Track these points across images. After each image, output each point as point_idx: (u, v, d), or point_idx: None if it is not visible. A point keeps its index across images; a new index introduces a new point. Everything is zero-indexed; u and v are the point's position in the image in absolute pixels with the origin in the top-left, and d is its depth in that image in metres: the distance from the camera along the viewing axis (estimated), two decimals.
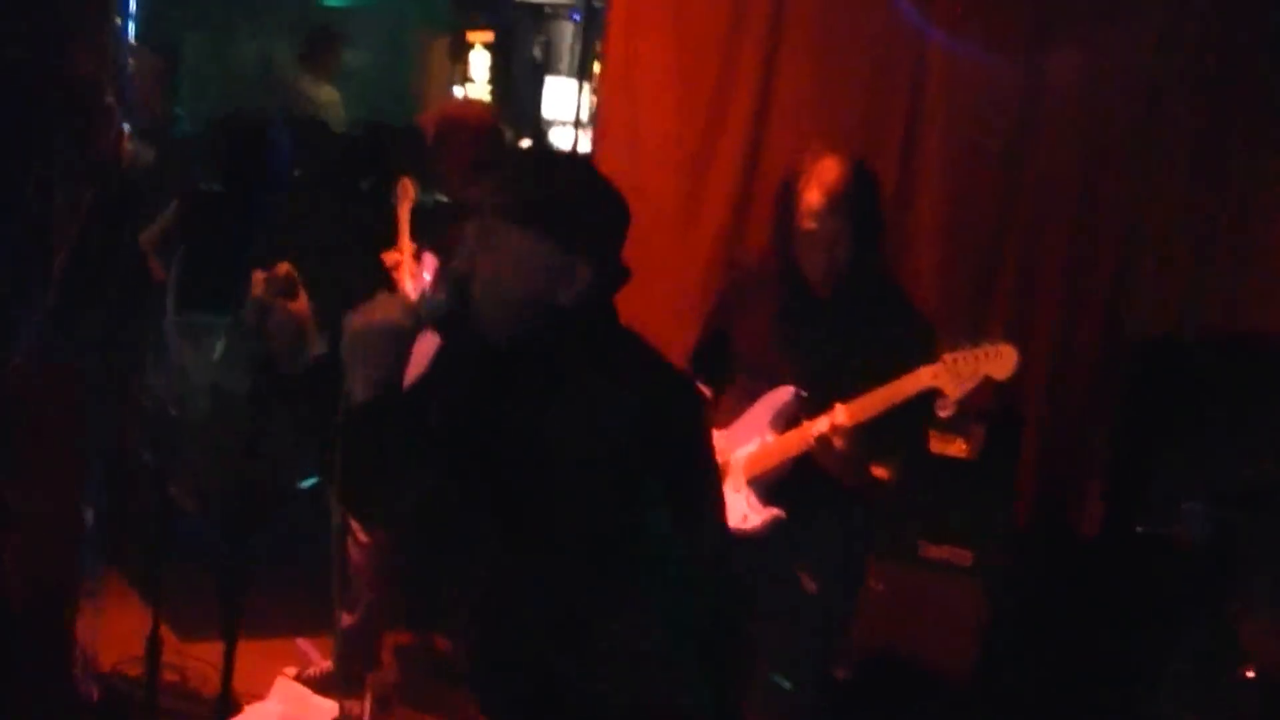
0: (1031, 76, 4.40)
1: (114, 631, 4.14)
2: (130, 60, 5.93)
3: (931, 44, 4.37)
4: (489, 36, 8.44)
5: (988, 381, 3.14)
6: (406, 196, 4.83)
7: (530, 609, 2.35)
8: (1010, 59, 4.38)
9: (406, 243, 4.75)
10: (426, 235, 4.78)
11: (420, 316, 2.34)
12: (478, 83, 8.43)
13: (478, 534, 2.33)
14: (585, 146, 6.02)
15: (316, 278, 2.51)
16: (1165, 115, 4.41)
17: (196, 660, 4.34)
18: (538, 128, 7.77)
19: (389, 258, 4.75)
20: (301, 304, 2.40)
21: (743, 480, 3.32)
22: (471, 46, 8.51)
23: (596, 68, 6.21)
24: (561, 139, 7.45)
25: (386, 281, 4.70)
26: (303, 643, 4.77)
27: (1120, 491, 4.22)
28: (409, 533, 2.43)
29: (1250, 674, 3.38)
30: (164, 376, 5.18)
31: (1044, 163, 4.45)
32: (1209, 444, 3.85)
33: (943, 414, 3.86)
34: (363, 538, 4.57)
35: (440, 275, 4.51)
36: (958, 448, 4.13)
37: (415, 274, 4.67)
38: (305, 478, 5.21)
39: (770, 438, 3.32)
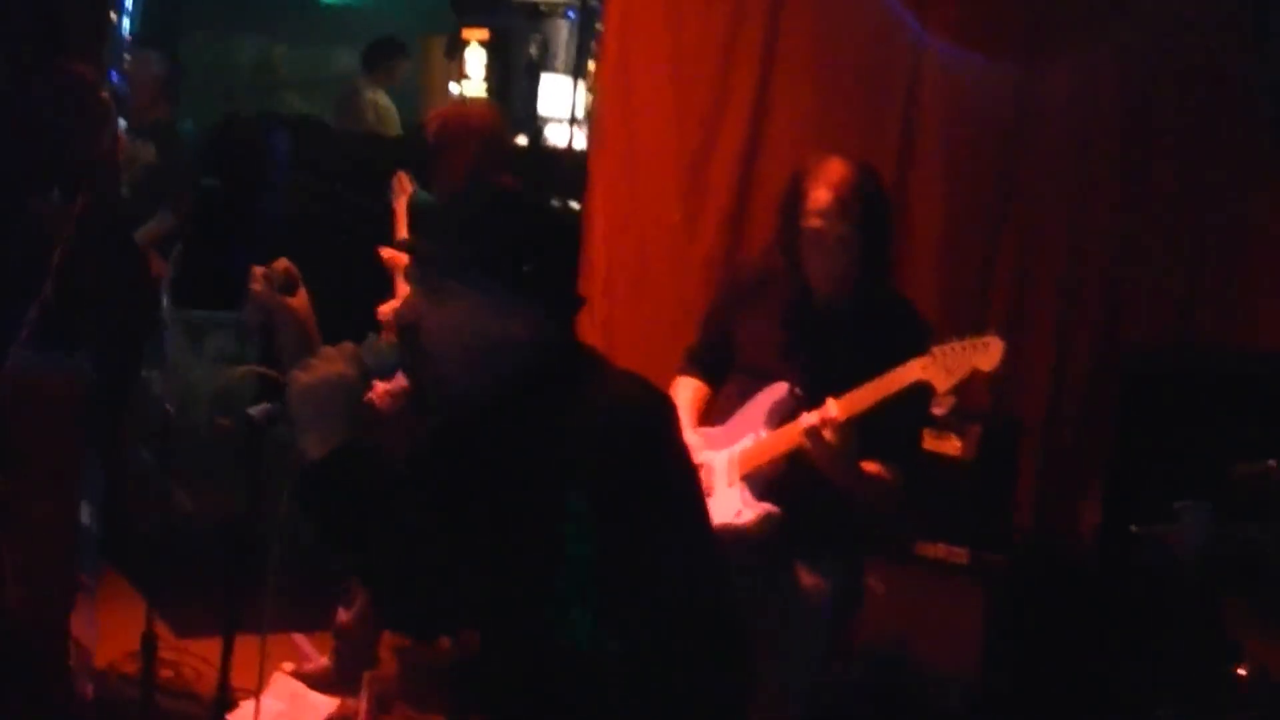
0: (1026, 84, 4.41)
1: (111, 629, 4.15)
2: (129, 59, 5.95)
3: (927, 51, 4.39)
4: (485, 35, 8.44)
5: (976, 374, 3.14)
6: (403, 191, 4.83)
7: (506, 661, 2.33)
8: (1005, 66, 4.39)
9: (405, 236, 4.76)
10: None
11: (369, 368, 2.28)
12: (474, 80, 8.43)
13: (448, 584, 2.26)
14: (580, 144, 6.02)
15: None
16: (1158, 122, 4.42)
17: (192, 657, 4.35)
18: (534, 125, 7.77)
19: (387, 252, 4.75)
20: (301, 300, 2.39)
21: (737, 476, 3.32)
22: (468, 44, 8.51)
23: (592, 66, 6.22)
24: (558, 136, 7.45)
25: (387, 276, 4.72)
26: (300, 639, 4.78)
27: (1116, 492, 4.23)
28: (382, 585, 2.37)
29: (1243, 672, 3.38)
30: (162, 374, 5.18)
31: (1039, 170, 4.46)
32: (1204, 445, 3.86)
33: (938, 412, 3.87)
34: None
35: (387, 325, 4.51)
36: (952, 446, 4.14)
37: None
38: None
39: (764, 433, 3.32)
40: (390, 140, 7.60)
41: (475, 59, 8.53)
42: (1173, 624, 3.77)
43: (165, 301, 4.99)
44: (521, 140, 7.46)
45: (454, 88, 8.46)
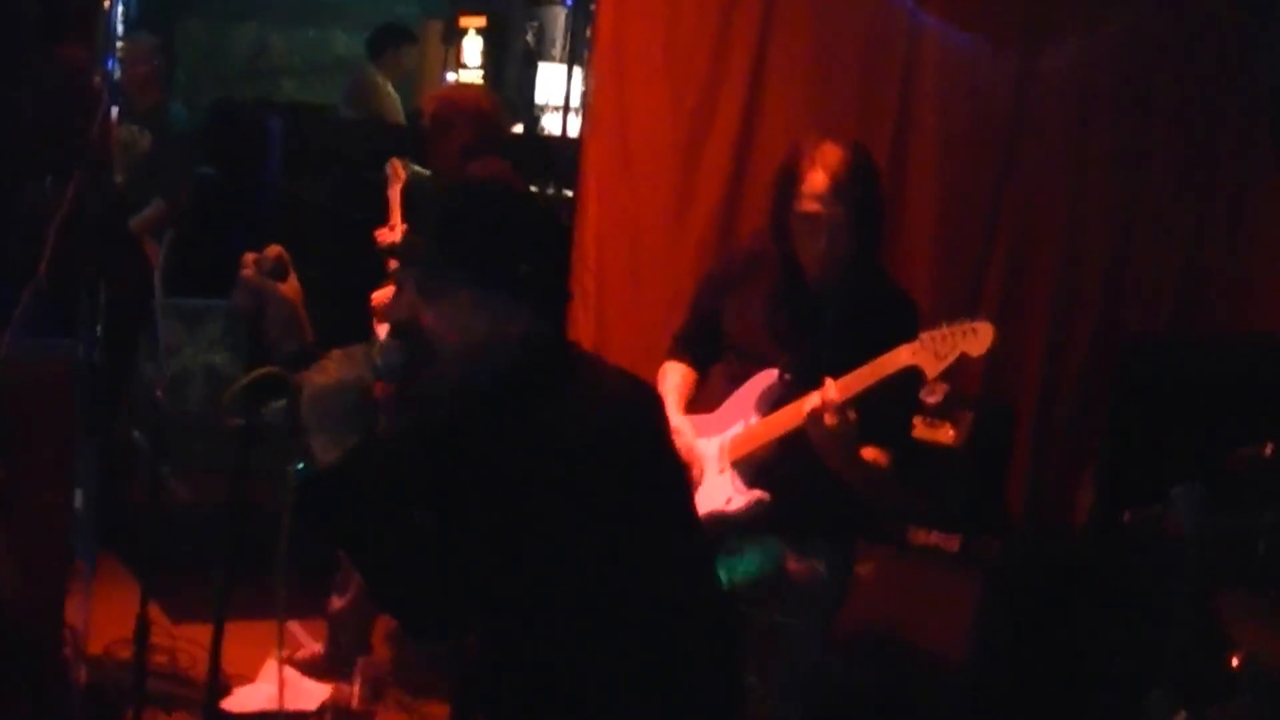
0: (1024, 67, 4.40)
1: (105, 614, 4.15)
2: (123, 45, 5.93)
3: (924, 32, 4.38)
4: (482, 22, 8.44)
5: (965, 359, 3.14)
6: (397, 177, 4.83)
7: (521, 663, 2.34)
8: (1003, 49, 4.38)
9: (399, 223, 4.75)
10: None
11: (378, 370, 2.30)
12: (470, 68, 8.42)
13: (461, 587, 2.26)
14: (575, 131, 6.01)
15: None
16: (1157, 108, 4.42)
17: (187, 643, 4.36)
18: (530, 113, 7.77)
19: (382, 234, 4.75)
20: (292, 286, 2.39)
21: (727, 462, 3.32)
22: (465, 32, 8.51)
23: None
24: (554, 125, 7.45)
25: (381, 261, 4.72)
26: (294, 626, 4.78)
27: (1109, 480, 4.24)
28: (390, 589, 2.38)
29: (1236, 662, 3.38)
30: (156, 361, 5.18)
31: (1036, 153, 4.45)
32: (1198, 432, 3.86)
33: (930, 400, 3.86)
34: None
35: (380, 310, 4.53)
36: (945, 434, 4.14)
37: None
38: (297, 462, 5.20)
39: (754, 420, 3.32)
40: (389, 126, 7.59)
41: (472, 46, 8.53)
42: (1165, 611, 3.76)
43: (158, 288, 4.97)
44: (518, 128, 7.46)
45: (451, 75, 8.46)
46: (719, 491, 3.29)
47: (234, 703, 4.25)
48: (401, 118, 7.71)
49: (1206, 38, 4.32)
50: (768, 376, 3.33)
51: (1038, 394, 4.47)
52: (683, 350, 3.59)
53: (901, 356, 3.16)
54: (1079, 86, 4.40)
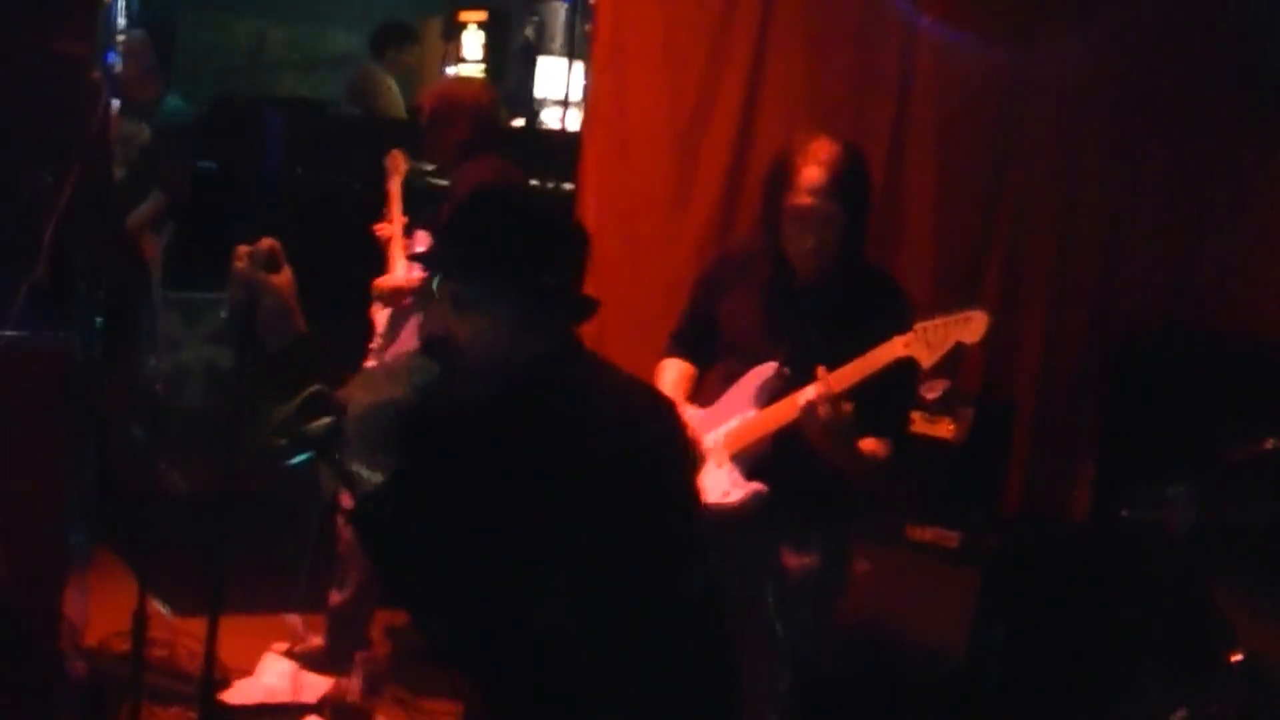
0: (1019, 62, 4.40)
1: (102, 607, 4.15)
2: (122, 38, 5.92)
3: (920, 28, 4.37)
4: (482, 16, 8.43)
5: (960, 348, 3.14)
6: (397, 170, 4.83)
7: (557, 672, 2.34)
8: (998, 44, 4.38)
9: (398, 215, 4.75)
10: (419, 212, 4.78)
11: (418, 387, 2.33)
12: (470, 62, 8.41)
13: (502, 596, 2.28)
14: (575, 125, 6.01)
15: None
16: (1153, 100, 4.41)
17: (185, 636, 4.35)
18: (530, 108, 7.76)
19: (382, 229, 4.75)
20: (285, 278, 2.39)
21: (725, 456, 3.32)
22: (465, 26, 8.50)
23: None
24: (553, 118, 7.44)
25: (380, 255, 4.71)
26: (293, 619, 4.78)
27: (1107, 475, 4.24)
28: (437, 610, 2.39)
29: (1236, 658, 3.38)
30: (155, 354, 5.18)
31: (1032, 148, 4.45)
32: (1196, 428, 3.86)
33: (930, 396, 3.86)
34: None
35: (379, 296, 4.54)
36: (944, 429, 4.14)
37: (407, 248, 4.68)
38: (294, 455, 5.20)
39: (752, 413, 3.32)
40: (389, 121, 7.58)
41: (472, 41, 8.51)
42: (1164, 608, 3.77)
43: (156, 282, 4.98)
44: (518, 122, 7.46)
45: (451, 70, 8.44)
46: (718, 484, 3.29)
47: (232, 696, 4.25)
48: (403, 113, 7.70)
49: (1203, 29, 4.32)
50: (766, 369, 3.33)
51: (1036, 389, 4.47)
52: (680, 347, 3.60)
53: (895, 348, 3.17)
54: (1076, 78, 4.41)
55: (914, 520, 4.14)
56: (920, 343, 3.15)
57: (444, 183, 4.85)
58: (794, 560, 3.33)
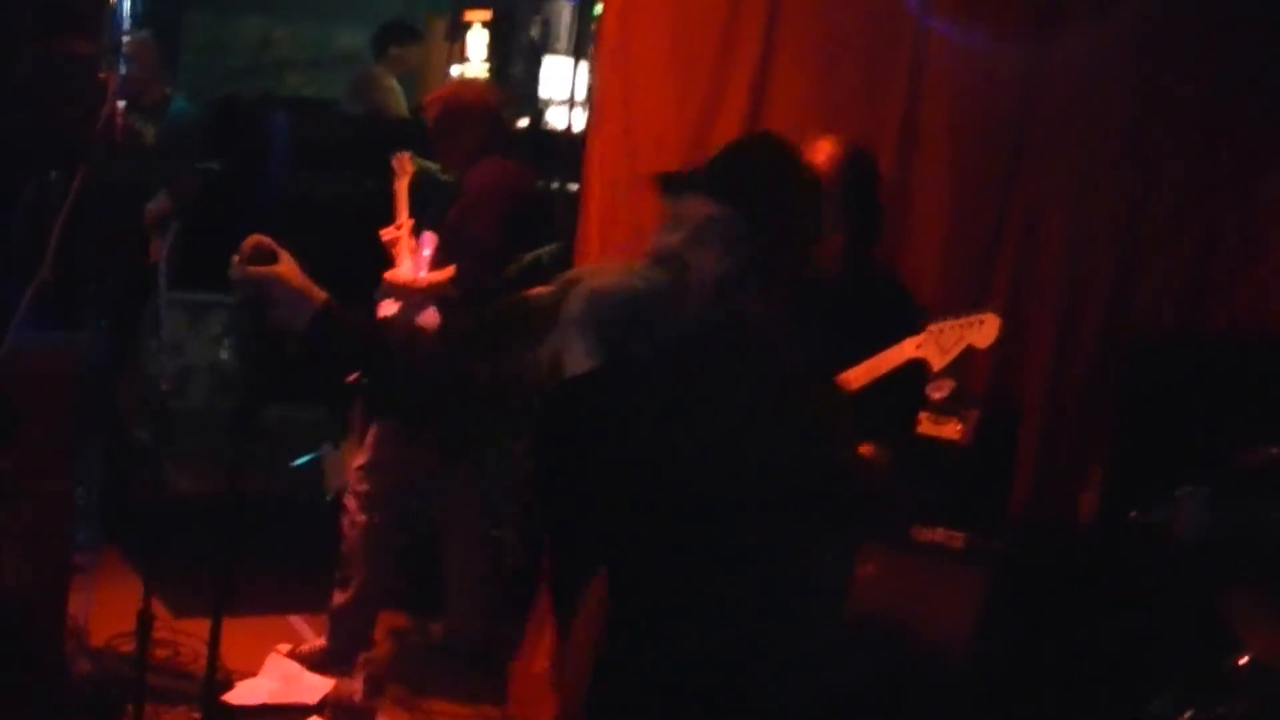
0: (1032, 62, 4.37)
1: (107, 608, 4.15)
2: (128, 39, 5.93)
3: (930, 28, 4.35)
4: (487, 16, 8.41)
5: (971, 351, 3.13)
6: (404, 172, 4.83)
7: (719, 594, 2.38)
8: (1010, 43, 4.36)
9: (405, 218, 4.75)
10: (425, 213, 4.78)
11: (643, 286, 2.37)
12: (475, 62, 8.40)
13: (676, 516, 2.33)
14: (580, 126, 6.01)
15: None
16: (1168, 102, 4.39)
17: (189, 637, 4.36)
18: (535, 108, 7.75)
19: (387, 233, 4.75)
20: (285, 264, 2.40)
21: None
22: (469, 26, 8.49)
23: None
24: (559, 118, 7.44)
25: (385, 258, 4.71)
26: (296, 620, 4.78)
27: (1116, 478, 4.22)
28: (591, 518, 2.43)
29: (1243, 662, 3.37)
30: (159, 354, 5.18)
31: (1045, 150, 4.43)
32: (1206, 433, 3.85)
33: (937, 396, 3.85)
34: (359, 517, 4.58)
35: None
36: (951, 430, 4.12)
37: (413, 249, 4.68)
38: (298, 456, 5.22)
39: None
40: (392, 121, 7.57)
41: (477, 41, 8.50)
42: (1171, 612, 3.75)
43: (162, 283, 4.97)
44: (523, 123, 7.45)
45: (455, 69, 8.44)
46: None
47: (235, 696, 4.25)
48: (405, 112, 7.69)
49: (1219, 32, 4.30)
50: None
51: (1045, 391, 4.45)
52: None
53: (906, 349, 3.16)
54: (1089, 79, 4.38)
55: (920, 521, 4.12)
56: (932, 345, 3.14)
57: (447, 178, 4.84)
58: None
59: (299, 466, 5.22)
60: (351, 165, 6.35)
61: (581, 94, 6.51)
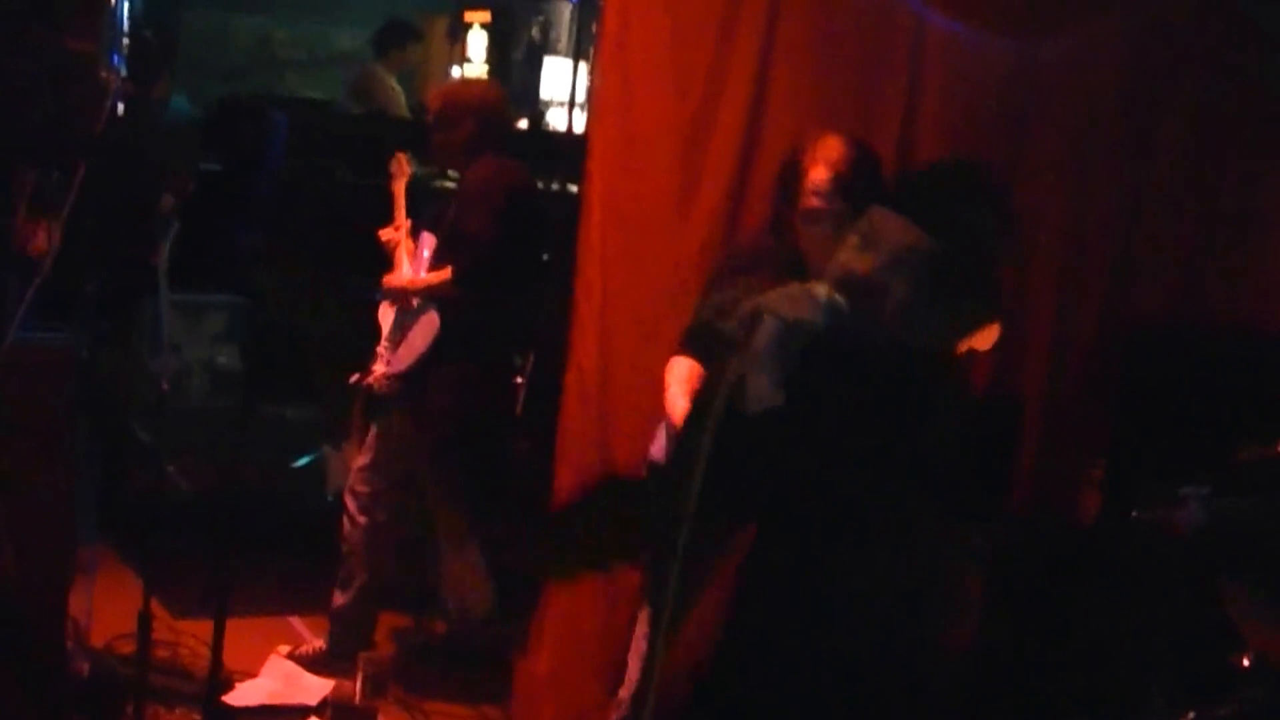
0: (1029, 56, 4.38)
1: (107, 608, 4.14)
2: (127, 39, 5.93)
3: (929, 24, 4.35)
4: (487, 17, 8.42)
5: (971, 353, 3.14)
6: (402, 173, 4.83)
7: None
8: (1008, 38, 4.36)
9: (403, 219, 4.75)
10: (424, 214, 4.78)
11: (825, 316, 2.42)
12: (475, 63, 8.41)
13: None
14: (580, 126, 6.01)
15: None
16: (1164, 96, 4.40)
17: (189, 638, 4.35)
18: (535, 108, 7.76)
19: (386, 234, 4.74)
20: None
21: None
22: (470, 27, 8.49)
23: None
24: (559, 119, 7.44)
25: (385, 258, 4.71)
26: (296, 621, 4.78)
27: (1117, 474, 4.22)
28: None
29: (1245, 661, 3.37)
30: (158, 353, 5.18)
31: (1042, 146, 4.43)
32: (1207, 427, 3.85)
33: None
34: (359, 518, 4.57)
35: (388, 292, 4.58)
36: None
37: (412, 251, 4.67)
38: (298, 456, 5.22)
39: None
40: (392, 121, 7.58)
41: (477, 41, 8.51)
42: (1173, 608, 3.75)
43: (162, 283, 4.97)
44: (523, 123, 7.45)
45: (455, 70, 8.45)
46: None
47: (235, 697, 4.25)
48: (405, 112, 7.70)
49: (1215, 23, 4.30)
50: None
51: (1045, 386, 4.46)
52: (690, 347, 3.59)
53: None
54: (1086, 75, 4.39)
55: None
56: None
57: (449, 184, 4.84)
58: None
59: (299, 467, 5.23)
60: (351, 165, 6.36)
61: (582, 94, 6.52)
